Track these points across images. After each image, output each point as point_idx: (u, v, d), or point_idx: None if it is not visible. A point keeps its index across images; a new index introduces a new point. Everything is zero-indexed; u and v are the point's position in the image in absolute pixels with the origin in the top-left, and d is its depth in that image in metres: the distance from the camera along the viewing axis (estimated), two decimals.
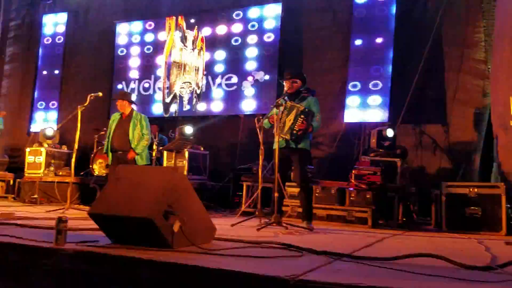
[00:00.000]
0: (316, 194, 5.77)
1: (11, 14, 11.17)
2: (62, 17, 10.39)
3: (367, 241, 3.84)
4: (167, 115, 9.08)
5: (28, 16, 10.98)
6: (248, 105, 8.42)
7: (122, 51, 9.66)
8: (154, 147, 7.59)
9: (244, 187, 6.56)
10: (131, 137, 6.02)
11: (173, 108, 9.05)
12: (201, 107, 8.82)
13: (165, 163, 7.54)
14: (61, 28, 10.40)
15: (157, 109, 9.18)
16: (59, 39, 10.40)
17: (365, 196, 5.55)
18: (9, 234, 3.00)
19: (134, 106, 6.45)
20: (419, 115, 7.14)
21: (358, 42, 7.55)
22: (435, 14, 7.11)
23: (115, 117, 6.22)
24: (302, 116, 4.46)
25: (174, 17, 9.16)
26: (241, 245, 3.09)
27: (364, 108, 7.34)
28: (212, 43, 8.85)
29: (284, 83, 4.76)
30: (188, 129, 7.59)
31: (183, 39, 9.11)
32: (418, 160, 7.07)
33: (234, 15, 8.68)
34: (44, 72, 10.45)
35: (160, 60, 9.28)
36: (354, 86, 7.47)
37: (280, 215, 4.54)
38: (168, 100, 9.10)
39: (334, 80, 7.81)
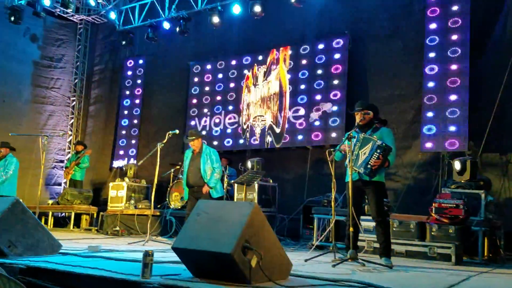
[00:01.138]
0: (394, 229, 5.54)
1: (95, 60, 12.26)
2: (141, 60, 11.21)
3: (452, 280, 3.61)
4: (236, 149, 9.31)
5: (110, 61, 11.97)
6: (316, 137, 8.42)
7: (195, 90, 10.15)
8: (225, 179, 7.80)
9: (316, 221, 6.47)
10: (203, 172, 6.26)
11: (242, 141, 9.27)
12: (269, 139, 8.95)
13: (235, 196, 7.70)
14: (140, 71, 11.21)
15: (227, 143, 9.45)
16: (138, 81, 11.19)
17: (448, 230, 5.25)
18: (98, 267, 3.21)
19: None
20: (502, 143, 6.68)
21: (431, 68, 7.31)
22: None
23: (187, 154, 6.52)
24: (378, 151, 4.35)
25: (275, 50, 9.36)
26: (319, 282, 3.04)
27: (442, 137, 7.01)
28: (279, 77, 9.03)
29: (355, 115, 4.71)
30: (257, 162, 7.72)
31: (254, 78, 9.43)
32: (504, 192, 6.57)
33: (301, 50, 8.84)
34: (125, 112, 11.25)
35: (230, 96, 9.62)
36: (430, 114, 7.20)
37: (356, 250, 4.41)
38: (243, 133, 9.34)
39: (406, 108, 7.59)
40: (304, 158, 8.41)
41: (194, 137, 6.30)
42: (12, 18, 9.94)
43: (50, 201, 9.86)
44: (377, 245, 4.81)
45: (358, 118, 4.66)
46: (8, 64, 10.59)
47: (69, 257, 3.95)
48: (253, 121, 9.24)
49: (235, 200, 7.68)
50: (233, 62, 9.70)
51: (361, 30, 8.30)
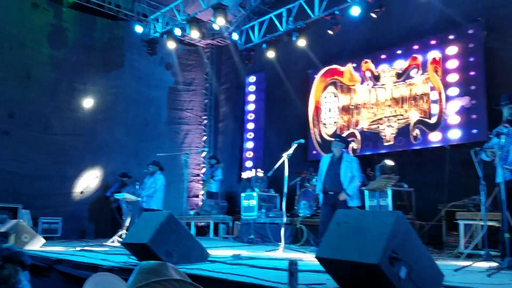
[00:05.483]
0: None
1: (221, 79, 13.12)
2: (263, 75, 11.66)
3: None
4: (363, 153, 9.07)
5: (234, 79, 12.69)
6: (454, 135, 7.78)
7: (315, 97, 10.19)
8: None
9: (462, 227, 5.94)
10: (343, 179, 6.16)
11: (369, 145, 8.99)
12: (399, 141, 8.52)
13: (367, 203, 7.47)
14: (263, 85, 11.65)
15: (353, 147, 9.26)
16: (261, 95, 11.65)
17: None
18: (245, 275, 3.38)
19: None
20: None
21: None
22: None
23: (325, 160, 6.46)
24: None
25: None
26: None
27: None
28: (408, 74, 8.58)
29: (503, 110, 4.24)
30: (389, 166, 7.40)
31: (371, 77, 9.14)
32: None
33: (429, 43, 8.30)
34: (251, 126, 11.78)
35: (353, 101, 9.45)
36: None
37: None
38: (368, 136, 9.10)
39: None
40: (441, 159, 7.80)
41: (339, 140, 6.35)
42: (150, 50, 11.14)
43: (191, 212, 10.75)
44: None
45: (507, 112, 4.19)
46: (149, 92, 11.91)
47: (217, 265, 4.25)
48: (378, 123, 8.89)
49: (367, 208, 7.46)
50: (353, 65, 9.51)
51: (497, 15, 7.48)
